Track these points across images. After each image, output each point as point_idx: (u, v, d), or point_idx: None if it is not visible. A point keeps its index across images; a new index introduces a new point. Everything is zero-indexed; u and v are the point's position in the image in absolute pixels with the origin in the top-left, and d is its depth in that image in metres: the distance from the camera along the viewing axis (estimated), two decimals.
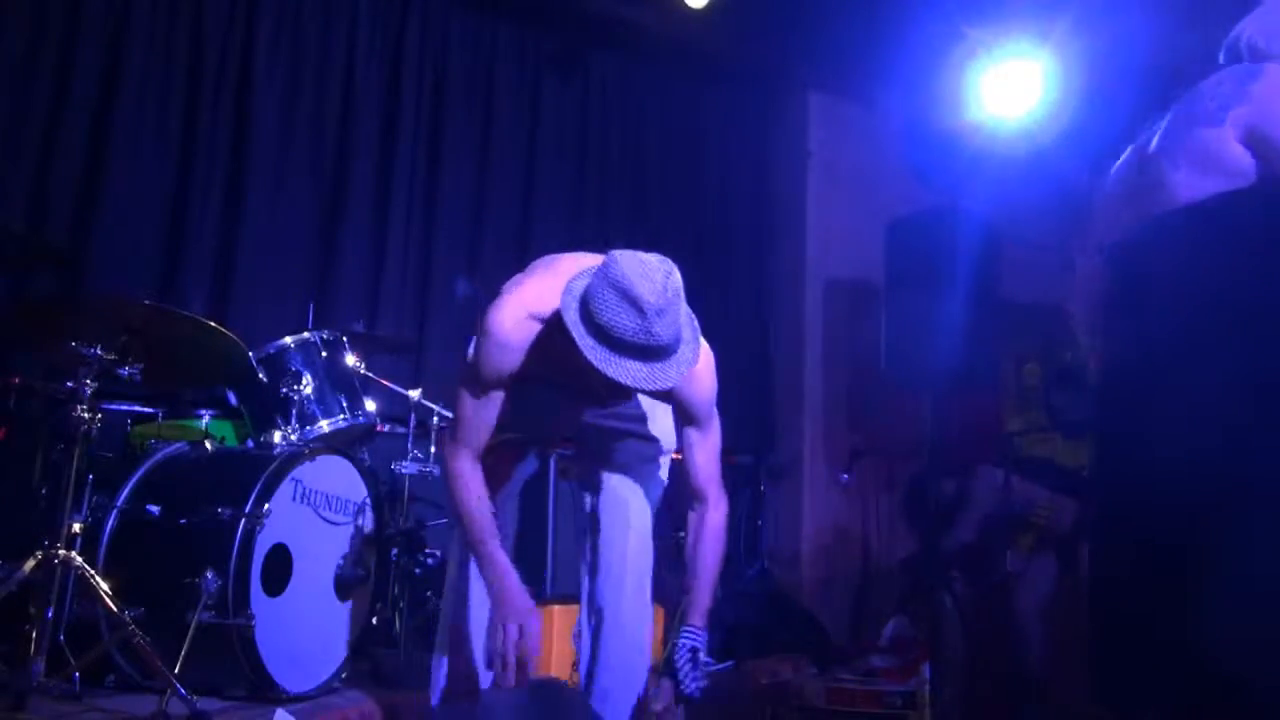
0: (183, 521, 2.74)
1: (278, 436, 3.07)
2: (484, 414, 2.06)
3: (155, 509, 2.76)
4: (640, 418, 2.36)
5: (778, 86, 5.64)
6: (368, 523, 3.13)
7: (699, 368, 1.95)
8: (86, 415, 2.53)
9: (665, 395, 2.08)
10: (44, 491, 2.83)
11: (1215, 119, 1.74)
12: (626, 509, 2.35)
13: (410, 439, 3.66)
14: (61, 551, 2.42)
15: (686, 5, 4.70)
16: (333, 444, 3.17)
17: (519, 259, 4.64)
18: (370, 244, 4.41)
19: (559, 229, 4.94)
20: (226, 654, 2.61)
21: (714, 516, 2.19)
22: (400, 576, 3.41)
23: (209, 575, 2.59)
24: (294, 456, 2.88)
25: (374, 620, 3.22)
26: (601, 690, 2.25)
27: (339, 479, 3.03)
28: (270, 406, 3.17)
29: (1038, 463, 4.59)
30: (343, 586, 3.01)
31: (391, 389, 3.60)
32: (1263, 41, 1.85)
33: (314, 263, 4.29)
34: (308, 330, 3.37)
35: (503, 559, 2.07)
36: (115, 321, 2.53)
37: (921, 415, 4.06)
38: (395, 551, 3.37)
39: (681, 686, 2.03)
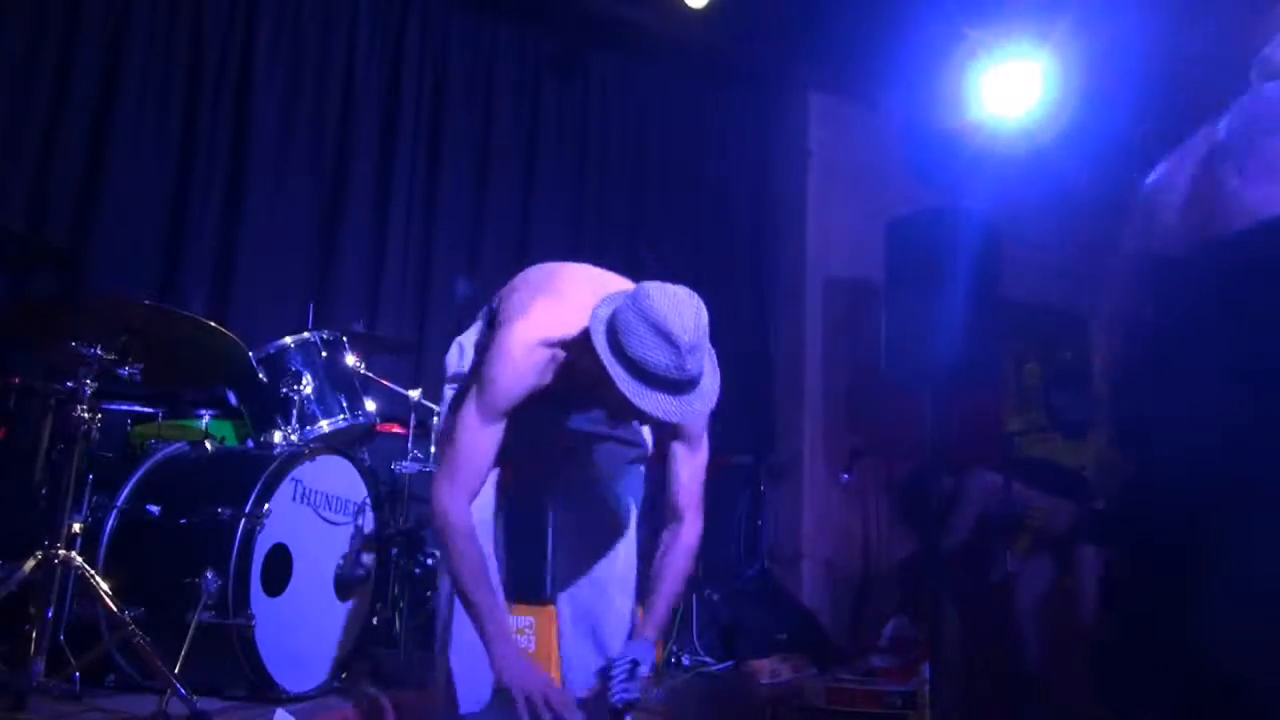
0: (183, 521, 2.74)
1: (278, 436, 3.07)
2: (486, 446, 2.00)
3: (155, 509, 2.76)
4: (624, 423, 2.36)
5: (778, 86, 5.64)
6: (368, 523, 3.13)
7: None
8: (86, 415, 2.53)
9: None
10: (44, 491, 2.82)
11: None
12: (610, 511, 2.35)
13: (410, 439, 3.66)
14: (61, 551, 2.42)
15: (686, 5, 4.70)
16: (333, 444, 3.17)
17: (519, 259, 4.66)
18: (370, 244, 4.41)
19: (559, 229, 4.94)
20: (226, 654, 2.61)
21: (688, 535, 2.16)
22: (400, 576, 3.41)
23: (209, 575, 2.59)
24: (294, 456, 2.88)
25: (374, 620, 3.22)
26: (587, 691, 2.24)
27: (339, 479, 3.03)
28: (270, 406, 3.17)
29: (1034, 463, 4.59)
30: (343, 586, 3.01)
31: (391, 389, 3.60)
32: None
33: (314, 263, 4.29)
34: (308, 330, 3.37)
35: (505, 630, 2.01)
36: (115, 321, 2.52)
37: (921, 415, 4.06)
38: (395, 551, 3.37)
39: (610, 694, 2.01)
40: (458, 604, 2.11)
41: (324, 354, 3.30)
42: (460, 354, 2.36)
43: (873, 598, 5.12)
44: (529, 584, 2.98)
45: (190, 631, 2.48)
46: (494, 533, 2.25)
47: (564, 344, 2.02)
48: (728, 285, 5.38)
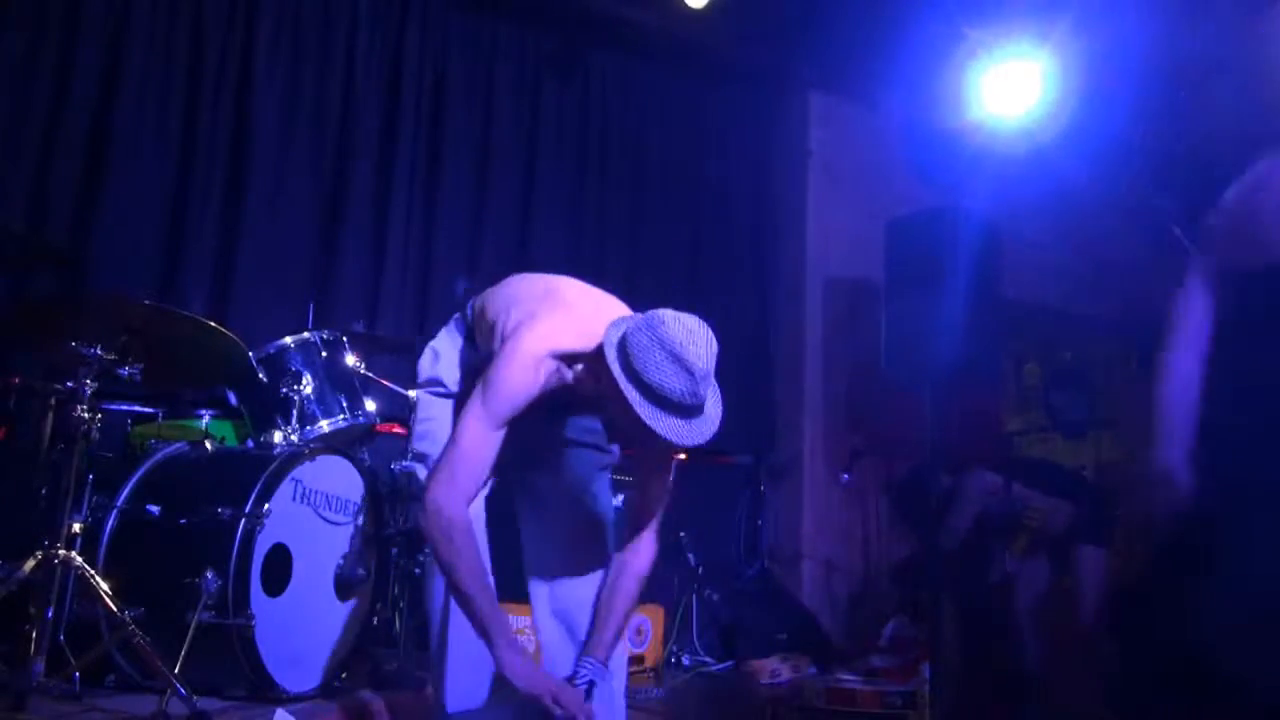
0: (183, 521, 2.74)
1: (278, 436, 3.08)
2: (488, 451, 2.02)
3: (155, 509, 2.77)
4: (598, 431, 2.42)
5: (778, 86, 5.64)
6: (368, 523, 3.13)
7: None
8: (86, 415, 2.53)
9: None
10: (44, 491, 2.82)
11: None
12: (590, 511, 2.36)
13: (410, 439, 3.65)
14: (61, 551, 2.42)
15: (687, 5, 4.69)
16: (333, 444, 3.17)
17: (519, 259, 4.66)
18: (370, 244, 4.41)
19: (559, 229, 4.94)
20: (226, 654, 2.62)
21: (642, 562, 2.22)
22: (400, 576, 3.41)
23: (209, 575, 2.59)
24: (294, 456, 2.88)
25: (374, 620, 3.22)
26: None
27: (339, 479, 3.04)
28: (270, 406, 3.17)
29: (1033, 464, 4.59)
30: (343, 586, 3.01)
31: (391, 389, 3.60)
32: None
33: (314, 263, 4.29)
34: (308, 330, 3.37)
35: (509, 632, 2.01)
36: (115, 321, 2.53)
37: (921, 415, 4.06)
38: (395, 551, 3.37)
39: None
40: (453, 604, 2.11)
41: (324, 354, 3.30)
42: (434, 359, 2.36)
43: (873, 597, 5.12)
44: (523, 583, 2.98)
45: (190, 631, 2.49)
46: (485, 534, 2.26)
47: (569, 357, 2.06)
48: (728, 285, 5.38)
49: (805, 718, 3.37)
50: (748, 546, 4.94)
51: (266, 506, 2.72)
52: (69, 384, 2.56)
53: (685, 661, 4.18)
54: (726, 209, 5.54)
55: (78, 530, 2.62)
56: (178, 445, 3.00)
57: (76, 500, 2.62)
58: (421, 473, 2.31)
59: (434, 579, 2.24)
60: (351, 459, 3.11)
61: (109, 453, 3.14)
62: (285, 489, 2.82)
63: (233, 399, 3.42)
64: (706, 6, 4.71)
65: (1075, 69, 4.36)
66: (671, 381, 1.87)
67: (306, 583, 2.89)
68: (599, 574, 2.28)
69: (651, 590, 4.15)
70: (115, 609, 2.43)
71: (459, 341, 2.36)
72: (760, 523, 5.00)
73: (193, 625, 2.51)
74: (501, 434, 2.02)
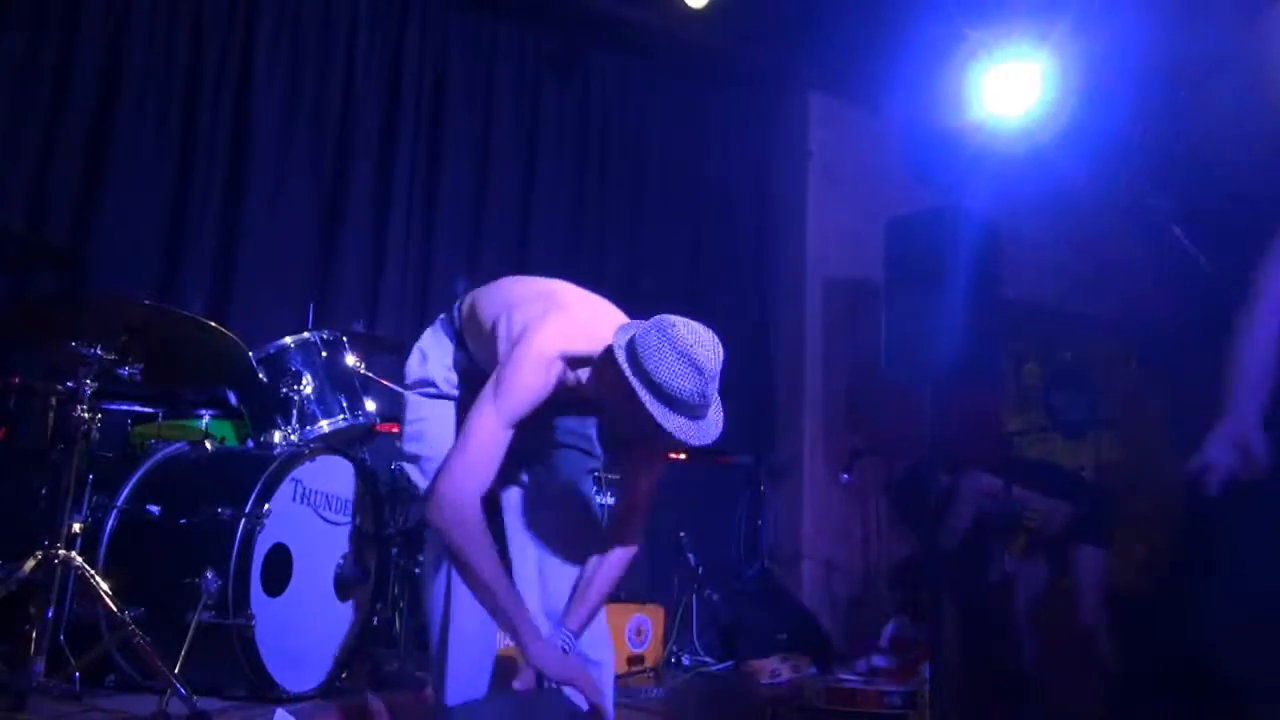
0: (183, 521, 2.74)
1: (278, 436, 3.08)
2: (498, 450, 2.03)
3: (155, 509, 2.77)
4: (586, 435, 2.45)
5: (778, 87, 5.64)
6: (368, 523, 3.13)
7: None
8: (86, 415, 2.53)
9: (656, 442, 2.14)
10: (44, 491, 2.82)
11: None
12: (583, 508, 2.39)
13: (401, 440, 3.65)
14: (61, 551, 2.42)
15: (687, 5, 4.69)
16: (333, 444, 3.17)
17: (519, 259, 4.66)
18: (370, 244, 4.41)
19: (559, 229, 4.94)
20: (226, 654, 2.62)
21: (624, 553, 2.26)
22: (400, 576, 3.41)
23: (209, 575, 2.59)
24: (294, 456, 2.88)
25: (374, 620, 3.22)
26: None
27: (339, 479, 3.04)
28: (270, 406, 3.17)
29: (1031, 464, 4.59)
30: (343, 586, 3.01)
31: (391, 389, 3.60)
32: None
33: (314, 263, 4.29)
34: (308, 330, 3.36)
35: (532, 621, 2.05)
36: (115, 321, 2.53)
37: (921, 415, 4.06)
38: (395, 551, 3.37)
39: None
40: (455, 600, 2.13)
41: (324, 354, 3.30)
42: (422, 359, 2.36)
43: (873, 598, 5.12)
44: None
45: (190, 631, 2.49)
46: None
47: (574, 359, 2.09)
48: (728, 285, 5.38)
49: (805, 718, 3.37)
50: (748, 546, 4.94)
51: (266, 506, 2.72)
52: (69, 384, 2.56)
53: (685, 661, 4.18)
54: (726, 209, 5.54)
55: (78, 530, 2.62)
56: (178, 445, 3.00)
57: (76, 500, 2.62)
58: (413, 473, 2.32)
59: (434, 579, 2.24)
60: (352, 459, 3.11)
61: (109, 453, 3.13)
62: (285, 489, 2.82)
63: (233, 399, 3.41)
64: (706, 7, 4.71)
65: (1075, 69, 4.35)
66: (681, 381, 1.90)
67: (306, 583, 2.89)
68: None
69: (651, 590, 4.19)
70: (115, 609, 2.43)
71: (447, 344, 2.36)
72: (760, 523, 5.00)
73: (193, 625, 2.51)
74: (511, 434, 2.04)
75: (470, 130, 4.77)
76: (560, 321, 2.11)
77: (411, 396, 2.36)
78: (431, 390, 2.33)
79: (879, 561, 5.22)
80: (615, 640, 3.71)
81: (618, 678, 3.58)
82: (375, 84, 4.53)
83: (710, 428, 1.99)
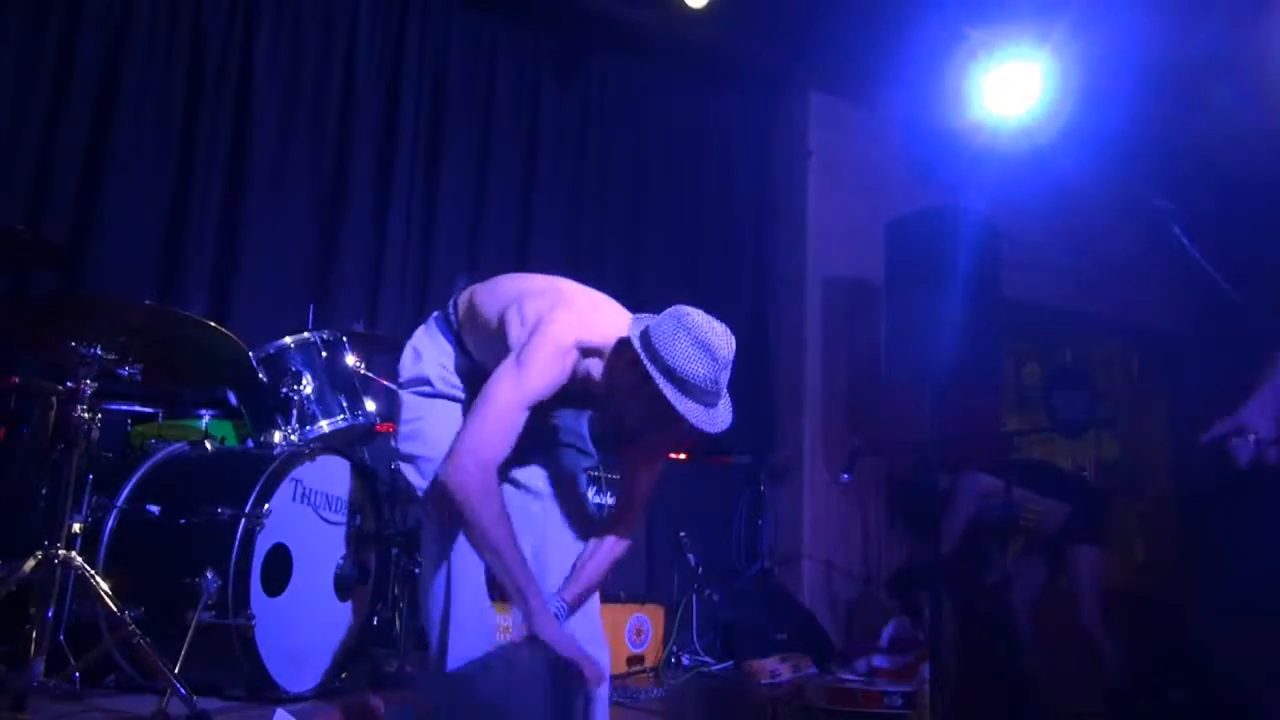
0: (183, 521, 2.74)
1: (278, 436, 3.07)
2: (515, 426, 2.04)
3: (155, 509, 2.77)
4: (579, 434, 2.46)
5: (779, 87, 5.64)
6: (368, 523, 3.13)
7: None
8: (86, 415, 2.53)
9: (666, 432, 2.18)
10: (44, 491, 2.82)
11: None
12: (575, 515, 2.38)
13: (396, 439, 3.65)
14: (61, 551, 2.42)
15: (687, 5, 4.69)
16: (333, 444, 3.17)
17: (519, 259, 4.66)
18: (370, 244, 4.41)
19: (559, 229, 4.94)
20: (226, 654, 2.62)
21: (620, 543, 2.28)
22: (400, 576, 3.41)
23: (209, 575, 2.59)
24: (294, 456, 2.88)
25: (374, 620, 3.22)
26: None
27: (339, 479, 3.04)
28: (270, 406, 3.17)
29: (1028, 464, 4.60)
30: (343, 586, 3.01)
31: (391, 389, 3.60)
32: None
33: (314, 263, 4.29)
34: (308, 330, 3.36)
35: (539, 589, 2.06)
36: (115, 321, 2.52)
37: (921, 415, 4.06)
38: (395, 551, 3.37)
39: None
40: (455, 600, 2.13)
41: (324, 354, 3.30)
42: (416, 357, 2.35)
43: (873, 598, 5.12)
44: None
45: (190, 631, 2.48)
46: None
47: (585, 350, 2.12)
48: (728, 285, 5.38)
49: (805, 718, 3.38)
50: (748, 546, 4.94)
51: (266, 506, 2.72)
52: (69, 384, 2.56)
53: (685, 661, 4.18)
54: (727, 209, 5.54)
55: (78, 530, 2.61)
56: (178, 445, 2.99)
57: (76, 500, 2.61)
58: (410, 473, 2.30)
59: (434, 579, 2.24)
60: (351, 459, 3.11)
61: (109, 453, 3.13)
62: (285, 489, 2.82)
63: (233, 399, 3.41)
64: (706, 7, 4.70)
65: (1075, 69, 4.36)
66: (695, 366, 1.94)
67: (306, 583, 2.88)
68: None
69: (651, 590, 4.19)
70: (115, 609, 2.43)
71: (443, 342, 2.35)
72: (760, 523, 5.00)
73: (193, 625, 2.50)
74: (526, 415, 2.04)
75: (470, 130, 4.77)
76: (571, 313, 2.14)
77: (407, 396, 2.35)
78: (427, 389, 2.32)
79: (879, 562, 5.22)
80: (615, 640, 3.72)
81: (617, 678, 3.59)
82: (375, 84, 4.53)
83: (722, 416, 2.02)
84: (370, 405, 3.41)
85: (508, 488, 2.36)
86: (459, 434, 2.05)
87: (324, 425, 3.23)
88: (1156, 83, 4.64)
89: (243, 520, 2.68)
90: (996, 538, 4.08)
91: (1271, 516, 1.86)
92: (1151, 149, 5.29)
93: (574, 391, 2.16)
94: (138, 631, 2.40)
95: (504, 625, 2.96)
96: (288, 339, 3.26)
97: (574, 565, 2.26)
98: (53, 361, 3.02)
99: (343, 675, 2.99)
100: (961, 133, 4.69)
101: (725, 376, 2.00)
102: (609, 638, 2.42)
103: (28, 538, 2.52)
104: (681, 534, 4.30)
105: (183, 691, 2.33)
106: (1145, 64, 4.47)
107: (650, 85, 5.40)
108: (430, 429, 2.27)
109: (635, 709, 3.31)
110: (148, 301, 2.62)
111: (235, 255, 4.07)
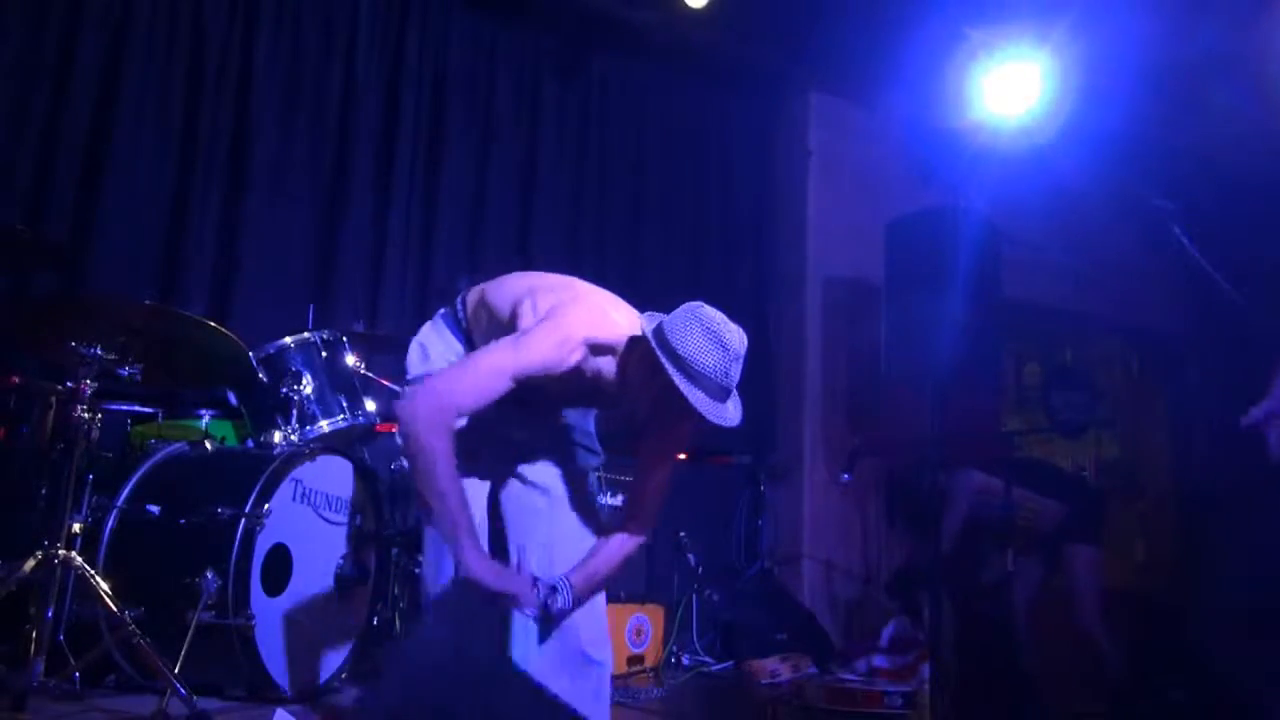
0: (183, 521, 2.74)
1: (278, 436, 3.07)
2: (493, 391, 2.03)
3: (155, 509, 2.77)
4: (588, 432, 2.49)
5: (779, 87, 5.64)
6: (368, 523, 3.13)
7: None
8: (86, 415, 2.53)
9: (678, 426, 2.21)
10: (44, 491, 2.82)
11: None
12: (582, 514, 2.39)
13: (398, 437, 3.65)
14: (61, 551, 2.42)
15: (687, 6, 4.69)
16: (333, 444, 3.17)
17: (519, 259, 4.66)
18: (370, 244, 4.41)
19: (559, 229, 4.94)
20: (226, 654, 2.62)
21: (633, 539, 2.29)
22: (400, 576, 3.41)
23: (209, 575, 2.59)
24: (294, 456, 2.88)
25: (374, 620, 3.22)
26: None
27: (339, 479, 3.04)
28: (270, 406, 3.17)
29: (1025, 464, 4.59)
30: (343, 586, 3.01)
31: (391, 389, 3.60)
32: None
33: (314, 263, 4.29)
34: (308, 330, 3.36)
35: (470, 526, 2.02)
36: (115, 321, 2.53)
37: (921, 415, 4.06)
38: (395, 551, 3.37)
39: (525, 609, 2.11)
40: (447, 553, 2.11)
41: (324, 354, 3.30)
42: (423, 354, 2.36)
43: (873, 598, 5.12)
44: None
45: (190, 631, 2.49)
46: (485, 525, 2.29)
47: (596, 346, 2.13)
48: (728, 285, 5.38)
49: (805, 718, 3.38)
50: (748, 546, 4.94)
51: (266, 506, 2.72)
52: (69, 384, 2.56)
53: (685, 661, 4.18)
54: (727, 209, 5.54)
55: (78, 530, 2.62)
56: (178, 445, 2.99)
57: (76, 500, 2.62)
58: None
59: (434, 580, 2.24)
60: (351, 459, 3.11)
61: (109, 453, 3.13)
62: (285, 489, 2.82)
63: (233, 399, 3.41)
64: (706, 7, 4.71)
65: (1075, 69, 4.36)
66: (706, 356, 1.97)
67: (306, 583, 2.89)
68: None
69: (651, 590, 4.19)
70: (115, 609, 2.43)
71: (450, 339, 2.35)
72: (760, 523, 5.00)
73: (193, 625, 2.51)
74: (510, 387, 2.03)
75: (470, 130, 4.77)
76: (584, 309, 2.16)
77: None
78: None
79: (879, 562, 5.22)
80: (615, 640, 3.71)
81: (618, 678, 3.59)
82: (375, 84, 4.53)
83: (733, 409, 2.04)
84: (370, 405, 3.41)
85: (515, 483, 2.37)
86: (438, 371, 2.06)
87: (324, 425, 3.24)
88: (1156, 83, 4.64)
89: (243, 520, 2.68)
90: (994, 537, 4.07)
91: (1275, 517, 1.86)
92: (1151, 149, 5.29)
93: (583, 389, 2.18)
94: (138, 631, 2.40)
95: None
96: (288, 339, 3.26)
97: (588, 555, 2.26)
98: (53, 361, 3.01)
99: (343, 675, 2.99)
100: (961, 133, 4.69)
101: (736, 370, 2.02)
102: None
103: (28, 538, 2.52)
104: (681, 534, 4.30)
105: (183, 691, 2.33)
106: (1145, 64, 4.47)
107: (650, 86, 5.40)
108: None
109: (635, 709, 3.31)
110: (148, 301, 2.62)
111: (235, 255, 4.07)
